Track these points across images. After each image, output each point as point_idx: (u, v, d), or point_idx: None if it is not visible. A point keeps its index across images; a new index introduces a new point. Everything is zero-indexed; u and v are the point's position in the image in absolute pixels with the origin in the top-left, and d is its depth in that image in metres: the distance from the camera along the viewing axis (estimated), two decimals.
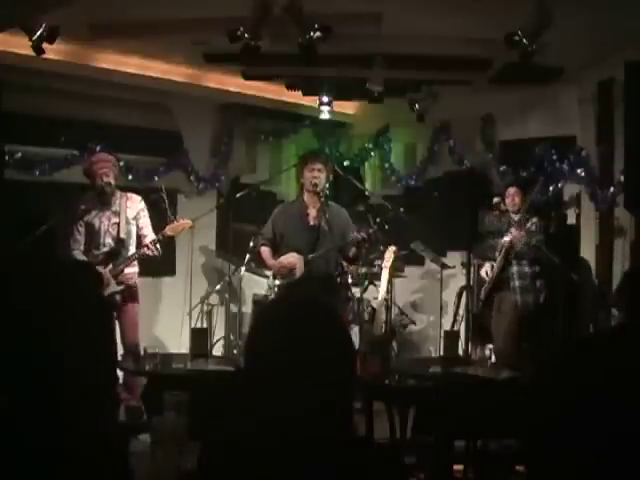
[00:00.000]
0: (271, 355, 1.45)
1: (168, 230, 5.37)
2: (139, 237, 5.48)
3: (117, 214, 5.42)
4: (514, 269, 5.81)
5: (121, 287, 5.37)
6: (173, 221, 5.43)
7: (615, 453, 1.03)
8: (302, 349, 1.43)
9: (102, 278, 5.20)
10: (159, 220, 5.61)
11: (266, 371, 1.45)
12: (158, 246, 5.33)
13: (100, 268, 5.26)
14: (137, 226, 5.48)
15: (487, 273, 5.95)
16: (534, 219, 5.78)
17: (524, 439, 1.15)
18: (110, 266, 5.35)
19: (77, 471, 1.27)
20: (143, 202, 5.55)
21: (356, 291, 6.53)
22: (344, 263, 5.73)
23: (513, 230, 5.69)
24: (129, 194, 5.54)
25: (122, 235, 5.39)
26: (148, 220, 5.53)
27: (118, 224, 5.40)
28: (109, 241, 5.41)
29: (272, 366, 1.44)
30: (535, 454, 1.11)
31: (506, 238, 5.85)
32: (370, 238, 5.42)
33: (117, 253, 5.38)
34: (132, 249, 5.43)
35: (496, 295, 5.92)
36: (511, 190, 5.91)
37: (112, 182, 5.36)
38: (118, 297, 5.38)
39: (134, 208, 5.49)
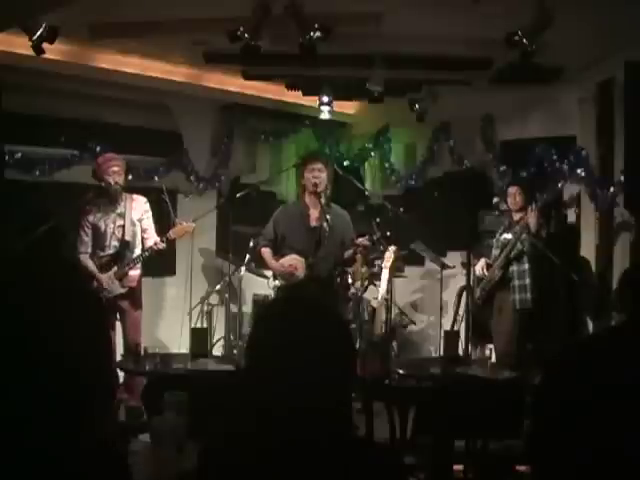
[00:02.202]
0: (272, 354, 1.45)
1: (172, 233, 5.38)
2: (142, 239, 5.49)
3: (122, 216, 5.42)
4: (514, 268, 5.82)
5: (125, 289, 5.38)
6: (176, 224, 5.44)
7: (618, 452, 1.03)
8: (302, 348, 1.43)
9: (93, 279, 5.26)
10: (161, 221, 5.61)
11: (267, 371, 1.45)
12: (161, 246, 5.36)
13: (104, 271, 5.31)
14: (141, 228, 5.49)
15: (483, 270, 5.97)
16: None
17: (527, 438, 1.15)
18: (115, 268, 5.35)
19: (76, 472, 1.27)
20: (148, 204, 5.56)
21: (356, 291, 6.52)
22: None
23: (530, 216, 5.68)
24: (134, 195, 5.54)
25: (127, 237, 5.40)
26: (152, 222, 5.54)
27: (123, 226, 5.40)
28: (115, 243, 5.41)
29: (273, 366, 1.44)
30: (539, 453, 1.11)
31: (507, 236, 5.87)
32: (375, 245, 5.43)
33: (122, 255, 5.39)
34: (137, 251, 5.43)
35: (497, 295, 5.94)
36: (512, 189, 5.93)
37: (121, 182, 5.37)
38: (122, 300, 5.39)
39: (139, 209, 5.50)
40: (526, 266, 5.80)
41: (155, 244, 5.35)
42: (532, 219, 5.66)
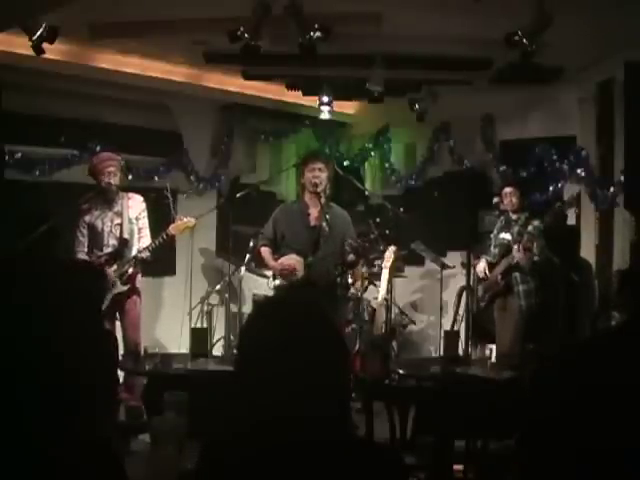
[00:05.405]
0: (257, 358, 1.45)
1: (171, 229, 5.38)
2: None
3: (119, 214, 5.42)
4: (517, 273, 5.82)
5: (126, 287, 5.38)
6: (176, 220, 5.43)
7: (614, 452, 1.03)
8: (288, 350, 1.43)
9: (106, 276, 5.24)
10: (162, 220, 5.61)
11: (254, 373, 1.45)
12: (145, 255, 5.37)
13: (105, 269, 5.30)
14: (137, 226, 5.49)
15: (485, 271, 5.98)
16: (535, 222, 5.78)
17: (520, 437, 1.15)
18: (115, 266, 5.35)
19: (73, 470, 1.27)
20: (144, 203, 5.56)
21: (356, 291, 6.53)
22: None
23: (516, 252, 5.70)
24: (130, 194, 5.54)
25: (125, 235, 5.39)
26: (147, 222, 5.54)
27: (121, 224, 5.40)
28: (113, 242, 5.41)
29: (259, 368, 1.44)
30: (531, 453, 1.11)
31: (505, 235, 5.89)
32: (372, 245, 5.42)
33: (121, 253, 5.39)
34: (135, 249, 5.43)
35: (499, 298, 5.94)
36: (507, 190, 5.96)
37: (117, 182, 5.37)
38: (121, 298, 5.40)
39: (136, 208, 5.50)
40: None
41: (139, 252, 5.35)
42: (518, 254, 5.68)
